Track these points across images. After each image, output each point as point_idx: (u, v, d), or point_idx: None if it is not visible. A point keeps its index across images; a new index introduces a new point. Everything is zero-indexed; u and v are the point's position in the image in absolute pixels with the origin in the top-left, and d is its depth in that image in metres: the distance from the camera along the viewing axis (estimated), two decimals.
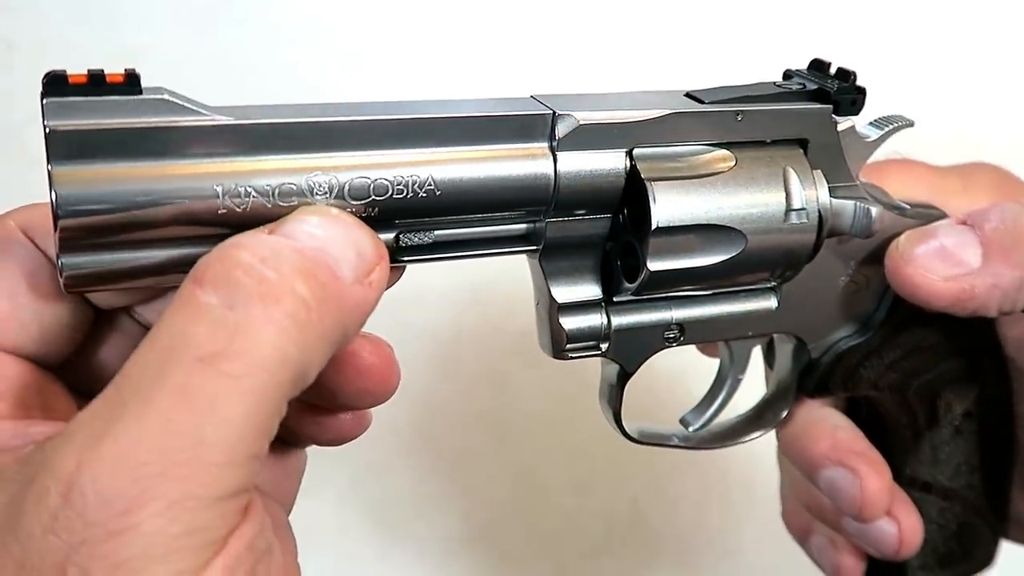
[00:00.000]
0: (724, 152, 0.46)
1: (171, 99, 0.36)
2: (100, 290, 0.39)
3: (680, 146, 0.45)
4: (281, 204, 0.37)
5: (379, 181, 0.39)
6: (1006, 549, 0.65)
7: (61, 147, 0.34)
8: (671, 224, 0.44)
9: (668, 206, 0.44)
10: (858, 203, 0.48)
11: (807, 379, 0.55)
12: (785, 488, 0.66)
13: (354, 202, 0.38)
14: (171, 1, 0.94)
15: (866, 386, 0.55)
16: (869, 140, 0.50)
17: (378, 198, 0.39)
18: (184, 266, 0.35)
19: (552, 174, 0.42)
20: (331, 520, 0.92)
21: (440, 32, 0.89)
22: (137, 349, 0.32)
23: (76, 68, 0.36)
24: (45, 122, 0.34)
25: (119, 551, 0.29)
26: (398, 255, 0.42)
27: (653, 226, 0.43)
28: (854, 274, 0.52)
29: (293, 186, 0.37)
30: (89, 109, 0.35)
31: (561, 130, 0.42)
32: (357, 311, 0.36)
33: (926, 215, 0.52)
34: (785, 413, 0.56)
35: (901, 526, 0.57)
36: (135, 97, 0.36)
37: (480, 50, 0.89)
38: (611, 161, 0.43)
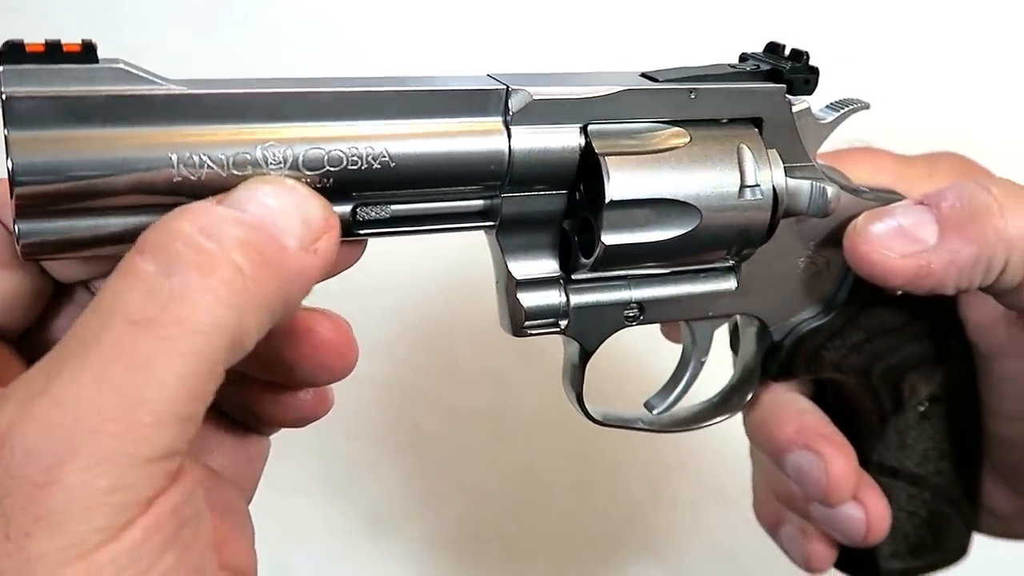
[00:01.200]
0: (678, 129, 0.46)
1: (127, 68, 0.37)
2: (58, 258, 0.39)
3: (634, 123, 0.45)
4: (236, 173, 0.37)
5: (334, 152, 0.39)
6: (1002, 546, 0.65)
7: (18, 113, 0.35)
8: (625, 198, 0.44)
9: (622, 180, 0.44)
10: (814, 183, 0.48)
11: (770, 362, 0.55)
12: (756, 479, 0.66)
13: (309, 172, 0.39)
14: (171, 1, 0.94)
15: (829, 368, 0.55)
16: (825, 122, 0.50)
17: (332, 169, 0.39)
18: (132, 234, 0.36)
19: (506, 148, 0.42)
20: (325, 519, 0.92)
21: (439, 32, 0.89)
22: (80, 316, 0.33)
23: (25, 34, 0.36)
24: (2, 89, 0.34)
25: (42, 504, 0.30)
26: (356, 228, 0.42)
27: (607, 200, 0.44)
28: (814, 255, 0.52)
29: (248, 156, 0.38)
30: (46, 77, 0.35)
31: (514, 105, 0.43)
32: (300, 279, 0.36)
33: (885, 198, 0.53)
34: (750, 396, 0.57)
35: (868, 511, 0.57)
36: (91, 66, 0.36)
37: (478, 50, 0.89)
38: (565, 136, 0.44)
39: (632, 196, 0.44)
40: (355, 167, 0.40)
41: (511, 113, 0.43)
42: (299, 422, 0.45)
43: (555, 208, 0.46)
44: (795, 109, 0.49)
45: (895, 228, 0.50)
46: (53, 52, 0.36)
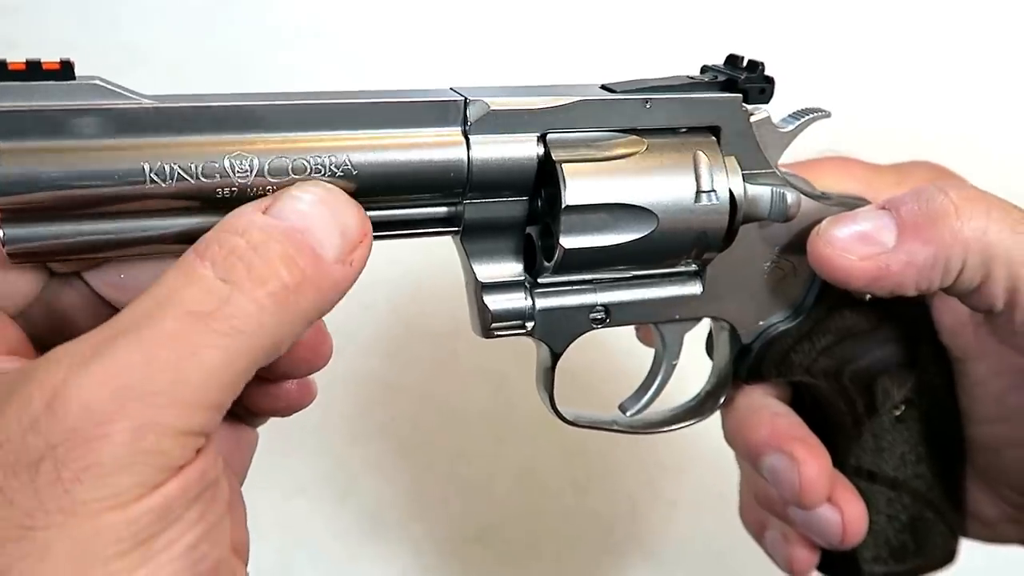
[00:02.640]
0: (634, 138, 0.48)
1: (102, 84, 0.39)
2: (45, 260, 0.41)
3: (591, 131, 0.47)
4: (204, 181, 0.40)
5: (298, 162, 0.41)
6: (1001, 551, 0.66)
7: (0, 126, 0.37)
8: (582, 203, 0.46)
9: (579, 186, 0.46)
10: (774, 188, 0.50)
11: (741, 364, 0.56)
12: (741, 486, 0.66)
13: (273, 180, 0.41)
14: (171, 1, 0.94)
15: (799, 371, 0.56)
16: (785, 130, 0.52)
17: (297, 177, 0.41)
18: (125, 242, 0.40)
19: (465, 157, 0.44)
20: (326, 519, 0.92)
21: (438, 34, 0.90)
22: (134, 300, 0.37)
23: (9, 53, 0.39)
24: None
25: (90, 455, 0.33)
26: None
27: (564, 204, 0.45)
28: (779, 261, 0.54)
29: (215, 164, 0.40)
30: (26, 93, 0.38)
31: (473, 115, 0.44)
32: (335, 290, 0.39)
33: (850, 204, 0.53)
34: (723, 399, 0.58)
35: (844, 513, 0.58)
36: (69, 82, 0.39)
37: (477, 52, 0.89)
38: (523, 145, 0.45)
39: (589, 201, 0.46)
40: (319, 174, 0.42)
41: (470, 123, 0.44)
42: (287, 411, 0.48)
43: (517, 214, 0.47)
44: (754, 118, 0.50)
45: (856, 232, 0.51)
46: (33, 70, 0.38)
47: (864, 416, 0.58)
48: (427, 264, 0.86)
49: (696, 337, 0.61)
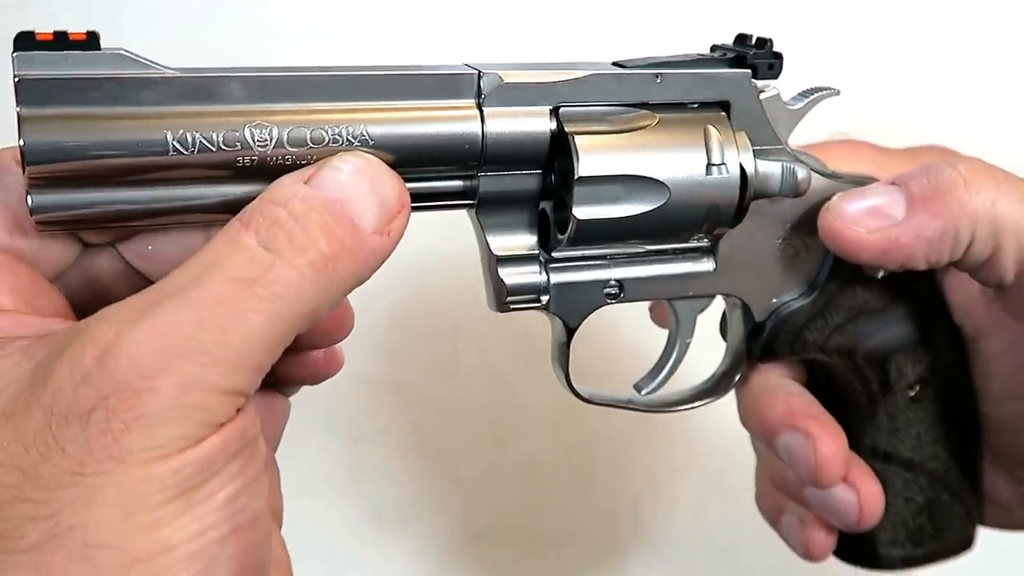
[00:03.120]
0: (646, 112, 0.48)
1: (127, 54, 0.40)
2: (69, 230, 0.42)
3: (603, 106, 0.48)
4: (225, 150, 0.41)
5: (316, 132, 0.42)
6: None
7: (28, 94, 0.38)
8: (594, 174, 0.47)
9: (591, 157, 0.46)
10: (785, 164, 0.51)
11: (754, 343, 0.57)
12: (758, 470, 0.66)
13: (292, 150, 0.42)
14: (171, 1, 0.94)
15: (812, 349, 0.56)
16: (794, 108, 0.53)
17: (314, 147, 0.42)
18: (149, 212, 0.41)
19: (479, 129, 0.45)
20: (329, 519, 0.92)
21: (438, 34, 0.89)
22: (181, 265, 0.38)
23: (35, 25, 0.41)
24: (15, 72, 0.39)
25: (139, 407, 0.35)
26: None
27: (577, 176, 0.46)
28: (791, 238, 0.54)
29: (236, 133, 0.41)
30: (54, 62, 0.39)
31: (486, 88, 0.45)
32: (373, 258, 0.41)
33: (860, 181, 0.54)
34: (738, 378, 0.58)
35: (860, 494, 0.58)
36: (95, 52, 0.40)
37: (477, 51, 0.89)
38: (536, 118, 0.46)
39: (601, 172, 0.47)
40: (337, 145, 0.42)
41: (483, 96, 0.45)
42: (315, 379, 0.50)
43: (531, 187, 0.48)
44: (764, 95, 0.51)
45: (866, 206, 0.52)
46: (60, 40, 0.40)
47: (879, 395, 0.58)
48: (429, 263, 0.86)
49: (711, 319, 0.61)
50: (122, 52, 0.40)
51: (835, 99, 0.54)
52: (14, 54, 0.39)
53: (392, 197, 0.42)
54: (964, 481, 0.61)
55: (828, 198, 0.52)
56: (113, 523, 0.34)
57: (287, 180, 0.41)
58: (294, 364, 0.48)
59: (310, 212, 0.39)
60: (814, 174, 0.52)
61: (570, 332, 0.52)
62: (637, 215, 0.48)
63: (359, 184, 0.41)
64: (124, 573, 0.34)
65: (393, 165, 0.43)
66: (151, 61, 0.41)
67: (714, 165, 0.49)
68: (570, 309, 0.51)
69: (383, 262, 0.42)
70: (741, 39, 0.52)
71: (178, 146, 0.40)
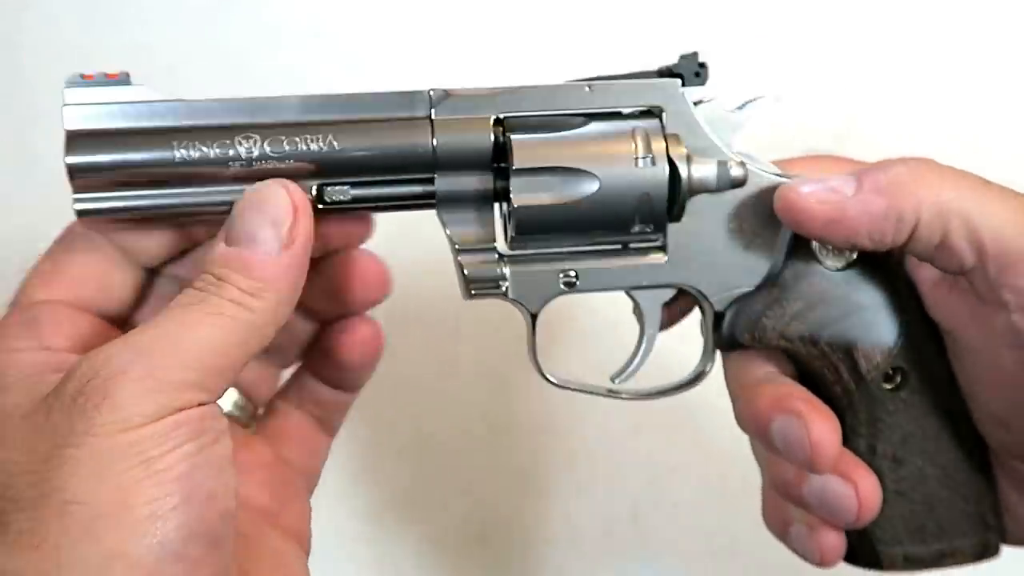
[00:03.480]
0: (580, 118, 0.55)
1: (147, 89, 0.53)
2: (107, 221, 0.53)
3: (540, 114, 0.55)
4: (218, 150, 0.52)
5: (289, 140, 0.53)
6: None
7: (73, 119, 0.52)
8: (528, 166, 0.53)
9: (525, 151, 0.53)
10: (720, 160, 0.56)
11: (717, 332, 0.60)
12: (763, 485, 0.66)
13: (273, 154, 0.52)
14: (171, 1, 0.94)
15: (773, 336, 0.59)
16: (733, 113, 0.57)
17: (290, 151, 0.52)
18: (165, 208, 0.53)
19: (430, 136, 0.54)
20: (328, 521, 0.92)
21: (438, 34, 0.89)
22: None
23: (83, 68, 0.53)
24: (65, 100, 0.52)
25: (108, 391, 0.44)
26: (326, 207, 0.54)
27: (513, 167, 0.53)
28: (741, 231, 0.58)
29: (227, 142, 0.52)
30: (94, 95, 0.52)
31: (436, 101, 0.54)
32: (292, 269, 0.50)
33: (801, 177, 0.57)
34: (708, 367, 0.61)
35: (857, 485, 0.58)
36: (125, 87, 0.53)
37: (475, 50, 0.89)
38: (479, 123, 0.54)
39: (534, 164, 0.54)
40: (306, 150, 0.53)
41: (433, 107, 0.54)
42: (367, 356, 0.61)
43: (484, 187, 0.55)
44: (700, 102, 0.57)
45: (820, 185, 0.55)
46: (100, 79, 0.53)
47: (852, 385, 0.59)
48: (429, 266, 0.86)
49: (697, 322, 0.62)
50: (144, 86, 0.53)
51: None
52: (65, 88, 0.52)
53: (281, 211, 0.50)
54: (971, 481, 0.60)
55: (775, 186, 0.57)
56: (85, 484, 0.43)
57: (215, 243, 0.50)
58: (343, 344, 0.59)
59: (226, 270, 0.49)
60: (758, 171, 0.57)
61: (532, 317, 0.58)
62: (571, 203, 0.54)
63: (251, 220, 0.50)
64: (92, 524, 0.43)
65: (356, 168, 0.53)
66: (163, 95, 0.53)
67: (641, 158, 0.54)
68: (528, 296, 0.57)
69: (305, 264, 0.50)
70: (684, 57, 0.58)
71: (182, 155, 0.52)
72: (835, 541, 0.61)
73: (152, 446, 0.44)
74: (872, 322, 0.59)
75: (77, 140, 0.51)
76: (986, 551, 0.61)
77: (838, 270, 0.59)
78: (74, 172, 0.51)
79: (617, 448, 0.93)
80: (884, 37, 0.90)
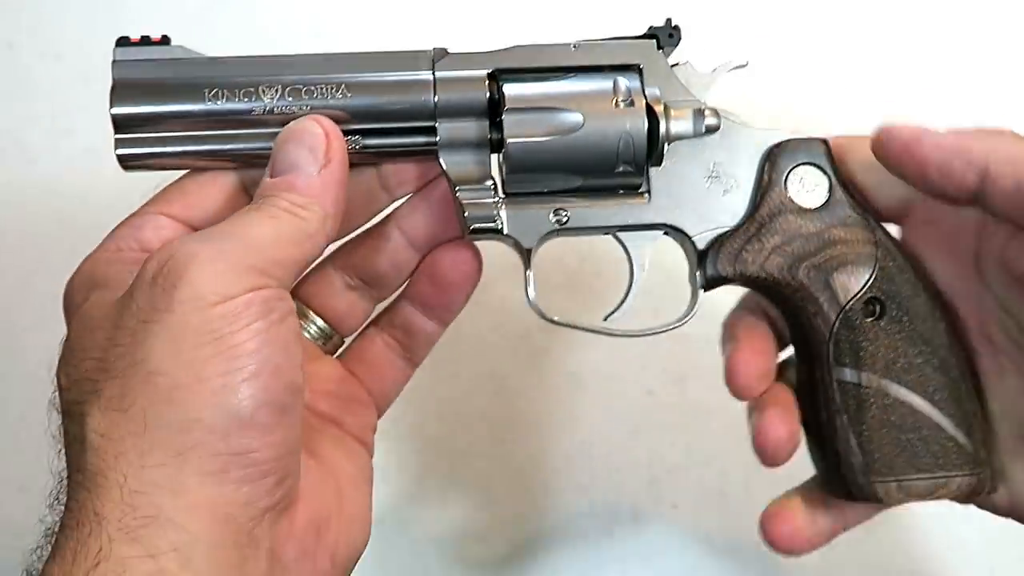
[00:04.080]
0: (566, 70, 0.61)
1: (185, 47, 0.60)
2: (148, 167, 0.59)
3: (530, 66, 0.61)
4: (245, 100, 0.58)
5: (309, 86, 0.59)
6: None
7: (120, 75, 0.59)
8: (518, 106, 0.59)
9: (515, 91, 0.59)
10: (694, 108, 0.61)
11: (702, 269, 0.64)
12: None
13: (291, 100, 0.58)
14: (171, 1, 0.94)
15: (753, 267, 0.63)
16: (704, 74, 0.63)
17: (307, 98, 0.58)
18: (206, 153, 0.59)
19: (432, 88, 0.59)
20: None
21: (437, 34, 0.89)
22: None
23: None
24: (115, 57, 0.59)
25: (184, 271, 0.49)
26: None
27: (505, 107, 0.59)
28: (718, 175, 0.63)
29: (252, 91, 0.58)
30: (140, 52, 0.59)
31: (437, 58, 0.60)
32: (332, 183, 0.55)
33: (772, 128, 0.64)
34: (696, 308, 0.65)
35: (768, 428, 0.63)
36: (165, 46, 0.60)
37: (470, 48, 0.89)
38: (475, 73, 0.60)
39: (524, 105, 0.59)
40: (323, 95, 0.59)
41: (435, 63, 0.60)
42: (465, 275, 0.64)
43: (480, 135, 0.60)
44: (675, 62, 0.62)
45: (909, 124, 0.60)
46: (145, 40, 0.59)
47: (831, 314, 0.62)
48: None
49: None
50: (182, 44, 0.59)
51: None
52: (116, 48, 0.59)
53: (315, 136, 0.55)
54: (960, 412, 0.62)
55: (749, 142, 0.63)
56: (164, 356, 0.48)
57: (265, 178, 0.56)
58: (443, 263, 0.64)
59: (276, 197, 0.55)
60: (730, 119, 0.62)
61: (527, 253, 0.62)
62: (558, 141, 0.59)
63: (290, 151, 0.55)
64: (172, 393, 0.48)
65: (367, 115, 0.59)
66: (199, 53, 0.60)
67: (622, 101, 0.59)
68: (523, 232, 0.61)
69: (344, 181, 0.56)
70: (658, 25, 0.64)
71: (212, 99, 0.58)
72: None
73: (223, 324, 0.49)
74: (847, 254, 0.63)
75: (120, 93, 0.58)
76: (979, 485, 0.62)
77: (812, 209, 0.63)
78: (117, 122, 0.58)
79: (617, 448, 0.93)
80: (868, 15, 0.90)
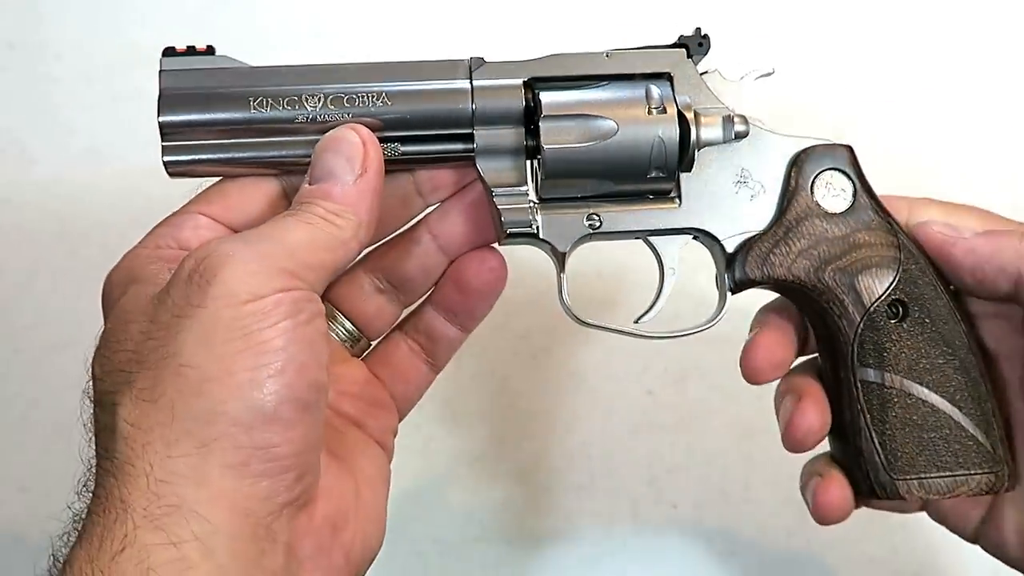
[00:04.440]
0: (600, 79, 0.62)
1: (230, 57, 0.61)
2: (194, 175, 0.61)
3: (564, 74, 0.62)
4: (288, 109, 0.60)
5: (350, 95, 0.60)
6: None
7: (167, 85, 0.60)
8: (555, 113, 0.60)
9: (551, 99, 0.61)
10: (723, 115, 0.62)
11: (730, 272, 0.65)
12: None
13: (332, 109, 0.60)
14: (171, 1, 0.94)
15: (781, 270, 0.64)
16: (733, 82, 0.64)
17: (348, 106, 0.60)
18: (250, 161, 0.60)
19: (469, 90, 0.61)
20: None
21: (437, 34, 0.90)
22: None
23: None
24: (162, 67, 0.60)
25: (218, 268, 0.51)
26: None
27: (542, 114, 0.60)
28: (747, 181, 0.65)
29: (295, 99, 0.60)
30: (186, 62, 0.60)
31: (475, 67, 0.61)
32: (367, 191, 0.57)
33: (805, 137, 0.65)
34: (724, 310, 0.66)
35: (794, 415, 0.65)
36: (211, 56, 0.61)
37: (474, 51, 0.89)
38: (511, 84, 0.61)
39: (560, 112, 0.60)
40: (364, 103, 0.60)
41: (472, 72, 0.61)
42: (490, 283, 0.65)
43: (517, 142, 0.61)
44: (704, 70, 0.64)
45: (947, 221, 0.64)
46: (191, 50, 0.60)
47: (855, 316, 0.64)
48: None
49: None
50: (226, 54, 0.61)
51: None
52: (162, 58, 0.60)
53: (352, 145, 0.57)
54: (979, 411, 0.63)
55: (777, 150, 0.65)
56: (195, 350, 0.50)
57: (303, 185, 0.58)
58: (469, 270, 0.64)
59: (313, 205, 0.56)
60: (759, 126, 0.64)
61: (560, 256, 0.63)
62: (593, 146, 0.60)
63: (328, 159, 0.57)
64: (200, 386, 0.49)
65: (406, 124, 0.60)
66: (238, 60, 0.61)
67: (654, 108, 0.61)
68: (557, 236, 0.63)
69: (379, 190, 0.57)
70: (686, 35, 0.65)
71: (256, 110, 0.59)
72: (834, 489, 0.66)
73: (253, 321, 0.50)
74: (871, 257, 0.64)
75: (167, 101, 0.59)
76: (997, 483, 0.63)
77: (838, 213, 0.64)
78: (164, 129, 0.59)
79: (617, 448, 0.93)
80: (890, 24, 0.90)
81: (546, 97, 0.60)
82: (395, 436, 0.67)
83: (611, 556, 0.95)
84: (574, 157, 0.60)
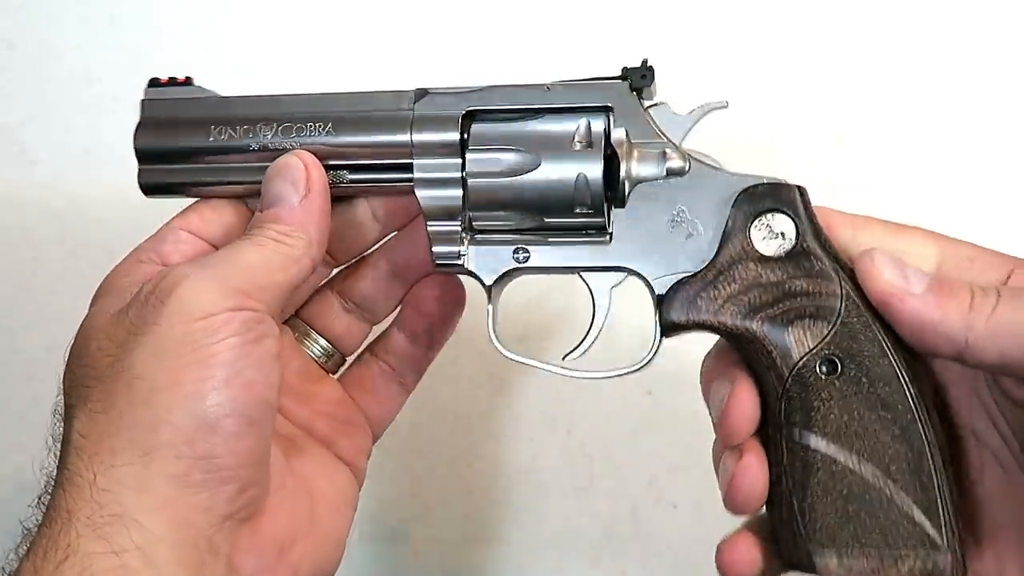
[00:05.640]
0: (536, 112, 0.62)
1: (202, 87, 0.65)
2: (166, 196, 0.64)
3: (502, 107, 0.62)
4: (244, 137, 0.62)
5: (299, 124, 0.62)
6: None
7: (147, 113, 0.64)
8: (482, 146, 0.61)
9: (479, 132, 0.61)
10: (659, 151, 0.61)
11: (662, 315, 0.62)
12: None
13: (285, 141, 0.62)
14: (171, 1, 0.94)
15: (708, 315, 0.61)
16: (682, 116, 0.62)
17: (298, 138, 0.62)
18: (210, 183, 0.63)
19: (409, 127, 0.62)
20: None
21: (437, 34, 0.90)
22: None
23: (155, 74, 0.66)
24: (145, 97, 0.65)
25: (173, 288, 0.53)
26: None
27: (469, 147, 0.61)
28: (682, 219, 0.61)
29: (249, 128, 0.62)
30: (167, 92, 0.65)
31: (417, 98, 0.63)
32: (313, 211, 0.59)
33: (744, 175, 0.61)
34: (654, 351, 0.63)
35: (736, 472, 0.59)
36: (188, 87, 0.65)
37: (474, 52, 0.89)
38: (449, 115, 0.62)
39: (486, 145, 0.61)
40: (312, 132, 0.62)
41: (414, 103, 0.62)
42: (446, 308, 0.68)
43: (453, 173, 0.61)
44: (649, 103, 0.62)
45: (898, 270, 0.57)
46: (172, 81, 0.65)
47: (783, 369, 0.58)
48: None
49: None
50: (200, 85, 0.65)
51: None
52: (147, 87, 0.65)
53: (295, 169, 0.59)
54: (918, 487, 0.57)
55: (719, 188, 0.61)
56: (148, 362, 0.52)
57: (256, 213, 0.61)
58: (426, 298, 0.67)
59: (264, 227, 0.59)
60: (701, 162, 0.61)
61: (488, 289, 0.63)
62: (516, 179, 0.60)
63: (274, 185, 0.60)
64: (148, 397, 0.51)
65: (351, 151, 0.62)
66: (210, 91, 0.65)
67: (579, 142, 0.60)
68: (484, 268, 0.63)
69: (325, 209, 0.60)
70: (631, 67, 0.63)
71: (216, 135, 0.62)
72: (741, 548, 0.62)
73: (203, 336, 0.52)
74: (806, 307, 0.59)
75: (143, 128, 0.64)
76: (936, 571, 0.56)
77: (775, 258, 0.60)
78: (140, 154, 0.64)
79: (617, 448, 0.93)
80: (880, 37, 0.90)
81: (476, 129, 0.61)
82: (368, 457, 0.68)
83: (611, 556, 0.95)
84: (497, 189, 0.60)
